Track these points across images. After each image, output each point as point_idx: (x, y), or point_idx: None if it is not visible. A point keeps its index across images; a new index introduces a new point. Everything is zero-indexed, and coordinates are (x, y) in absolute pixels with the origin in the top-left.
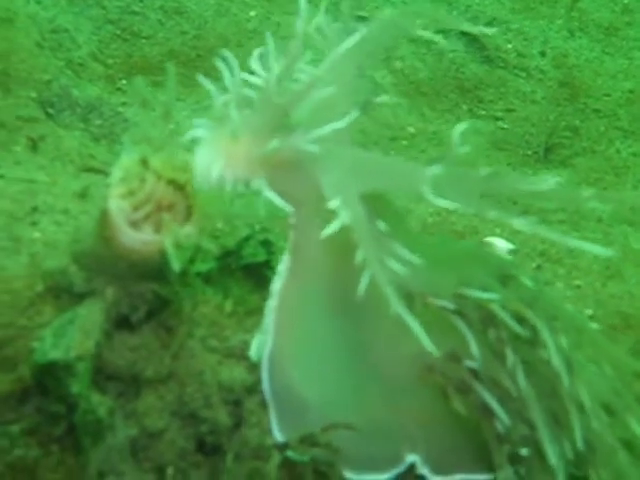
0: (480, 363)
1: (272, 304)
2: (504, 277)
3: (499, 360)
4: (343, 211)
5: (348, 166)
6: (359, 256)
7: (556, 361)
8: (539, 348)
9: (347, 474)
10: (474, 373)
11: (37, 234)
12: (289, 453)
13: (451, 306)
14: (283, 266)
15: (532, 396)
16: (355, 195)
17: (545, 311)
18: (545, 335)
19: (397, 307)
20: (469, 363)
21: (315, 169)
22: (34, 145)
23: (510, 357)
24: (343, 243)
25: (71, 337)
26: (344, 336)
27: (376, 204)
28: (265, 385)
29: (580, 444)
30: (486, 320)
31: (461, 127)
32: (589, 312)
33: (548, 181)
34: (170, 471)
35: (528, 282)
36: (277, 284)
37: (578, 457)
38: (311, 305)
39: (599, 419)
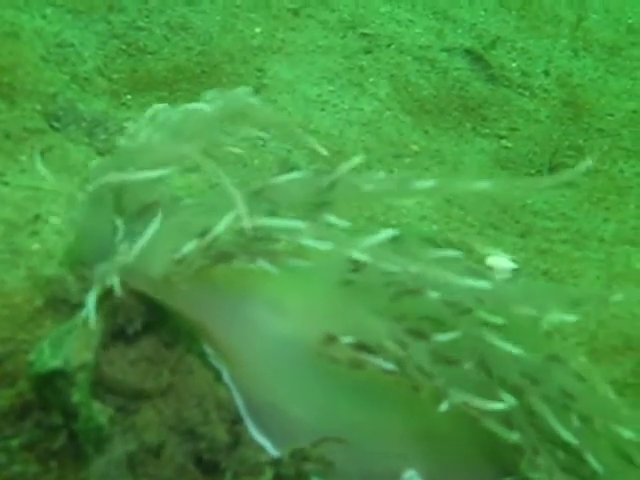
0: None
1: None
2: None
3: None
4: None
5: None
6: None
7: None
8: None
9: None
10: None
11: (37, 245)
12: (281, 469)
13: None
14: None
15: None
16: None
17: None
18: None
19: None
20: (347, 339)
21: None
22: (40, 155)
23: None
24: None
25: (69, 347)
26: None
27: None
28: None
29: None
30: None
31: None
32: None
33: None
34: None
35: None
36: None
37: None
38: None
39: None
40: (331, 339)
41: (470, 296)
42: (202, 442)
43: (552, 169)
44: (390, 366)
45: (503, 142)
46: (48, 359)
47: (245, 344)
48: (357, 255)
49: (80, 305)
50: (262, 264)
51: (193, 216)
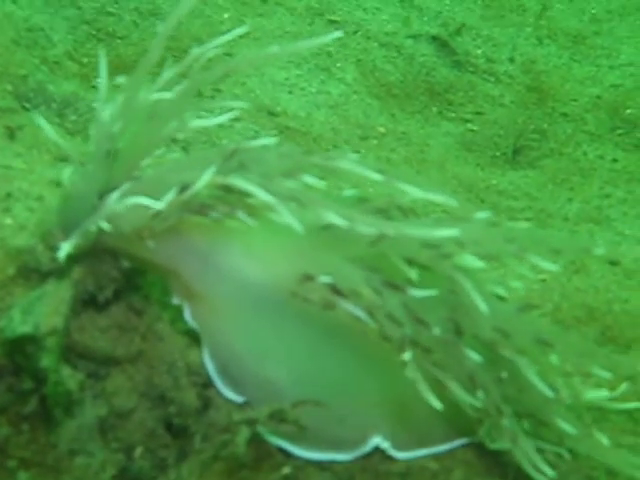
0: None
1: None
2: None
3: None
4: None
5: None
6: None
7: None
8: None
9: (311, 454)
10: (332, 288)
11: (9, 220)
12: (258, 429)
13: None
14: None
15: None
16: None
17: None
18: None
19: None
20: (323, 279)
21: None
22: (12, 134)
23: None
24: None
25: (39, 313)
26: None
27: None
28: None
29: None
30: None
31: None
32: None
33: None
34: (139, 451)
35: None
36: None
37: None
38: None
39: None
40: (308, 278)
41: (451, 241)
42: (172, 407)
43: (516, 152)
44: (361, 313)
45: (469, 125)
46: (18, 325)
47: (216, 288)
48: (331, 217)
49: (51, 273)
50: (241, 216)
51: (169, 173)
